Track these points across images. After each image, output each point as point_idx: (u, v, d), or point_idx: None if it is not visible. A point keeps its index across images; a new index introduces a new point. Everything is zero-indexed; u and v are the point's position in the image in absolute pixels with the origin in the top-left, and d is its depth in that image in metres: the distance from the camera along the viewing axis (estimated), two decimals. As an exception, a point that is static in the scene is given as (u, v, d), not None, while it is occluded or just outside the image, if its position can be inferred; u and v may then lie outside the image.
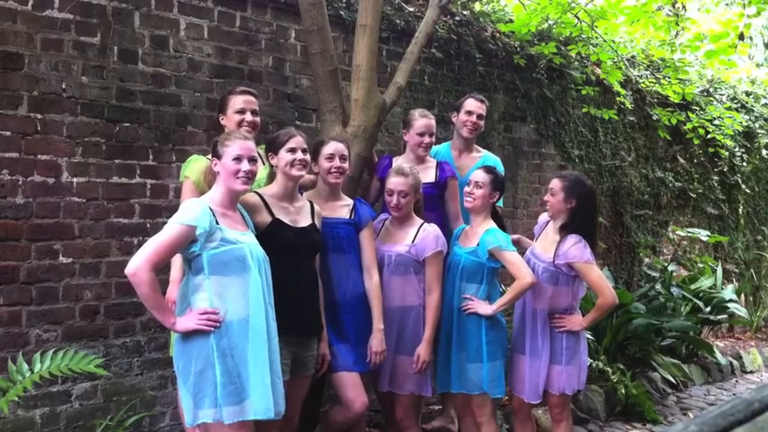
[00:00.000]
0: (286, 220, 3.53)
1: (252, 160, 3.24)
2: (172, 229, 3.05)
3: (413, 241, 4.01)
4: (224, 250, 3.08)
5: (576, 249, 4.01)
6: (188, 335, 3.06)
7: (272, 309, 3.21)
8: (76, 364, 3.39)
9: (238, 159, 3.20)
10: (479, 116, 4.74)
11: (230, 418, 3.00)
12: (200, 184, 3.68)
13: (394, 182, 4.03)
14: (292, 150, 3.55)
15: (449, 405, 4.76)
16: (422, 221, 4.09)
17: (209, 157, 3.68)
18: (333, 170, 3.80)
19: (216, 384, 3.00)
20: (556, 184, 4.15)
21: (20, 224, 3.83)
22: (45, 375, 3.34)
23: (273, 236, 3.44)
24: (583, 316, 4.21)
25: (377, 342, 3.84)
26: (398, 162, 4.39)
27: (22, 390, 3.29)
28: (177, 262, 3.50)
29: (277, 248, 3.37)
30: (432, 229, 4.05)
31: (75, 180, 4.01)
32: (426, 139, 4.47)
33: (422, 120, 4.51)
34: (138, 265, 2.99)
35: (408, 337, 3.96)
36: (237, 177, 3.19)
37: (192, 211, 3.07)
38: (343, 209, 3.90)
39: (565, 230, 4.09)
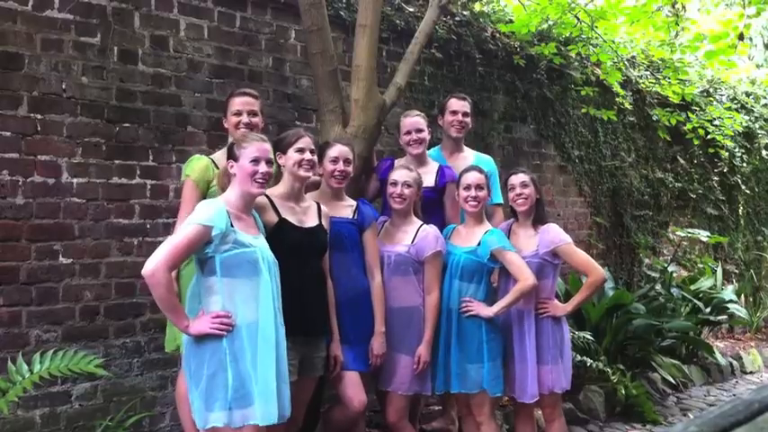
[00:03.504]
0: (292, 220, 3.52)
1: (269, 162, 3.24)
2: (188, 229, 3.03)
3: (412, 241, 3.99)
4: (237, 253, 3.07)
5: (560, 233, 4.15)
6: (201, 337, 3.04)
7: (281, 313, 3.20)
8: (76, 364, 3.38)
9: (256, 161, 3.19)
10: (464, 114, 4.72)
11: (241, 422, 2.99)
12: (200, 183, 3.66)
13: (398, 173, 4.06)
14: (301, 150, 3.54)
15: (449, 406, 4.76)
16: (421, 222, 4.08)
17: (211, 156, 3.69)
18: (336, 173, 3.80)
19: (228, 388, 2.99)
20: (526, 177, 4.21)
21: (20, 224, 3.83)
22: (45, 376, 3.33)
23: (279, 236, 3.43)
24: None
25: (378, 344, 3.85)
26: (400, 164, 4.39)
27: (22, 390, 3.29)
28: None
29: (283, 248, 3.36)
30: (431, 230, 4.03)
31: (75, 180, 4.01)
32: (414, 136, 4.43)
33: (405, 119, 4.51)
34: (155, 266, 2.96)
35: (409, 336, 3.95)
36: (254, 180, 3.19)
37: (208, 212, 3.06)
38: (346, 209, 3.90)
39: (538, 222, 4.20)
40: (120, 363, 4.20)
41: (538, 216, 4.23)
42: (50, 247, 3.93)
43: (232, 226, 3.09)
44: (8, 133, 3.79)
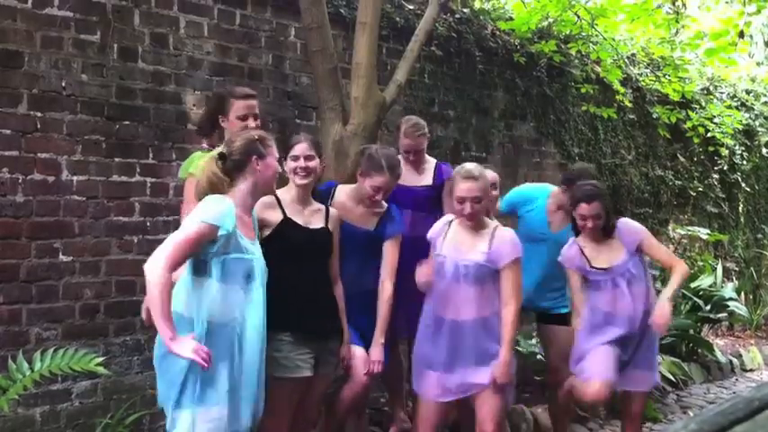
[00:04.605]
0: (299, 220, 3.52)
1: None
2: (194, 227, 2.87)
3: (489, 247, 3.64)
4: (235, 259, 2.96)
5: (635, 225, 4.17)
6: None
7: (265, 319, 3.10)
8: (76, 362, 3.38)
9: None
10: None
11: (202, 424, 2.88)
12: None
13: (464, 188, 3.61)
14: (295, 158, 3.54)
15: (398, 407, 4.59)
16: (495, 224, 3.77)
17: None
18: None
19: (195, 390, 2.88)
20: (599, 207, 4.03)
21: (20, 222, 3.83)
22: (45, 374, 3.33)
23: (283, 235, 3.43)
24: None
25: (377, 352, 3.78)
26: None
27: (23, 388, 3.29)
28: None
29: (285, 247, 3.37)
30: (508, 234, 3.70)
31: (74, 178, 4.01)
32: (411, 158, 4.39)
33: (405, 129, 4.41)
34: (156, 263, 2.80)
35: (487, 349, 3.65)
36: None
37: (217, 210, 2.92)
38: (372, 216, 3.87)
39: (611, 231, 4.11)
40: (120, 361, 4.20)
41: (608, 228, 4.11)
42: (50, 244, 3.93)
43: (236, 228, 2.98)
44: (8, 131, 3.79)
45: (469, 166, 3.75)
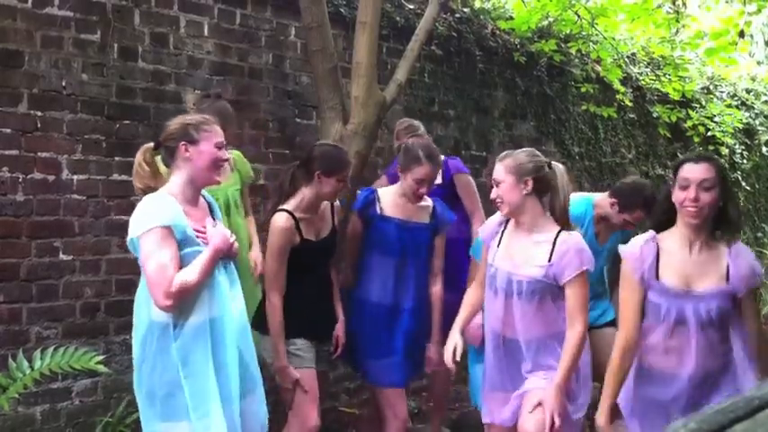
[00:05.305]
0: (310, 235, 3.54)
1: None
2: (156, 236, 2.67)
3: (549, 259, 3.03)
4: (188, 253, 2.74)
5: (758, 266, 2.86)
6: (150, 343, 2.78)
7: (239, 308, 2.91)
8: (77, 361, 3.38)
9: (220, 147, 2.85)
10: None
11: None
12: None
13: (494, 170, 3.15)
14: (342, 180, 3.56)
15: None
16: (557, 228, 3.07)
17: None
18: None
19: (189, 400, 2.75)
20: (712, 171, 2.75)
21: (20, 221, 3.83)
22: (45, 372, 3.34)
23: (299, 254, 3.48)
24: None
25: (434, 351, 3.81)
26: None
27: (23, 387, 3.29)
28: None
29: (300, 263, 3.45)
30: (573, 241, 3.04)
31: (75, 177, 4.01)
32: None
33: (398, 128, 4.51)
34: (166, 298, 2.67)
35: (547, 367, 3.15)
36: (218, 167, 2.88)
37: (157, 211, 2.70)
38: (422, 211, 3.86)
39: (725, 236, 2.85)
40: (121, 359, 4.20)
41: (723, 225, 2.82)
42: (51, 243, 3.93)
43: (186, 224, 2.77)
44: (8, 130, 3.78)
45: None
